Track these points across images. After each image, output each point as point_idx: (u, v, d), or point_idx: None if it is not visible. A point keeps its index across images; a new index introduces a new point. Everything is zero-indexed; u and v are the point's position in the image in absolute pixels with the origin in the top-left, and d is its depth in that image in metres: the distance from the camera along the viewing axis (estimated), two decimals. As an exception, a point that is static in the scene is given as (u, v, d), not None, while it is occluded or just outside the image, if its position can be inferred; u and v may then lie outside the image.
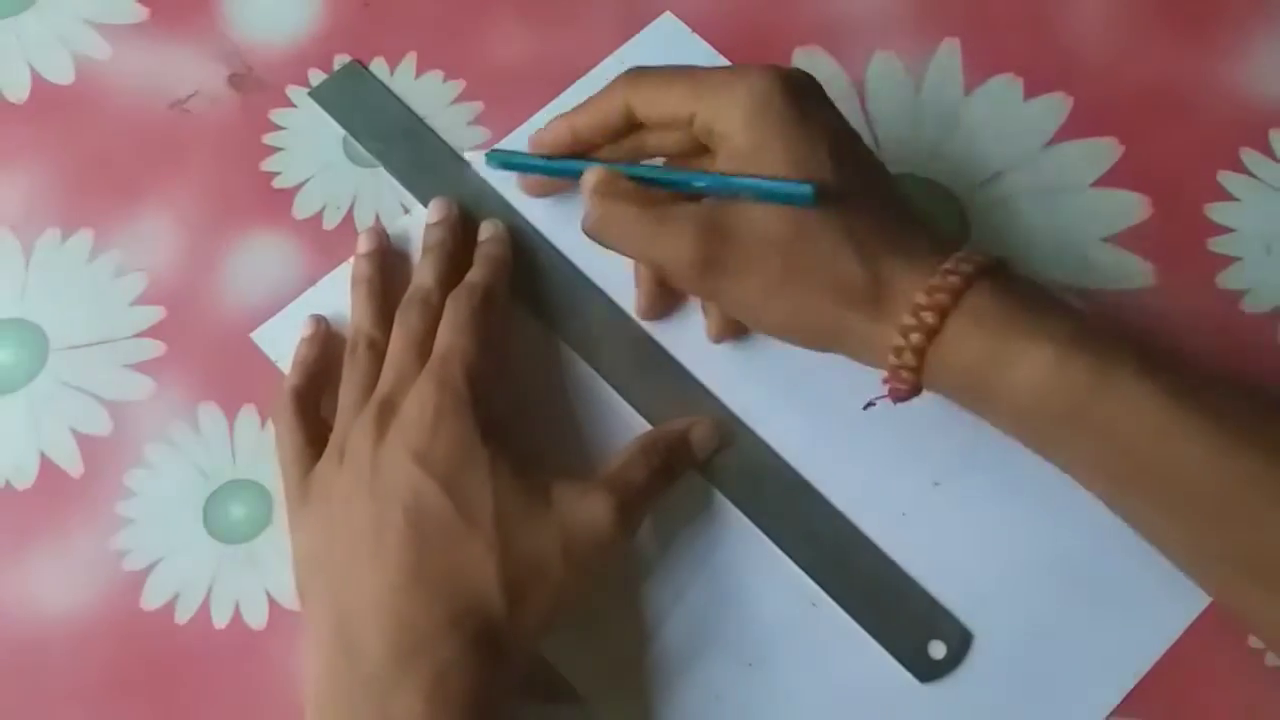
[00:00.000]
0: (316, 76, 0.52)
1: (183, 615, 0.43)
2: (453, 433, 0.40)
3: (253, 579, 0.44)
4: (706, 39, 0.52)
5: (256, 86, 0.52)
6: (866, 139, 0.49)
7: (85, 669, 0.42)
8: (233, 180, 0.50)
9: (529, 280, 0.47)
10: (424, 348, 0.42)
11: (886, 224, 0.40)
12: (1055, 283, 0.47)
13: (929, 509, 0.44)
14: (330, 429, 0.43)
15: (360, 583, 0.38)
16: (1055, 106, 0.50)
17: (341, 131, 0.51)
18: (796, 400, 0.45)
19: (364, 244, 0.47)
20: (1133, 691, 0.41)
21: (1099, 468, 0.39)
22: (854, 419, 0.45)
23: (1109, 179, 0.49)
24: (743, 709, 0.41)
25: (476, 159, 0.49)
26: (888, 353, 0.39)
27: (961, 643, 0.42)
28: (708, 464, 0.44)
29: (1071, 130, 0.50)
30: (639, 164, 0.43)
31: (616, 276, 0.47)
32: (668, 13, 0.52)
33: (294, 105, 0.51)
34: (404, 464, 0.39)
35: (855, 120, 0.50)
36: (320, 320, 0.47)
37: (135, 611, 0.43)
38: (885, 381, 0.40)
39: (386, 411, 0.41)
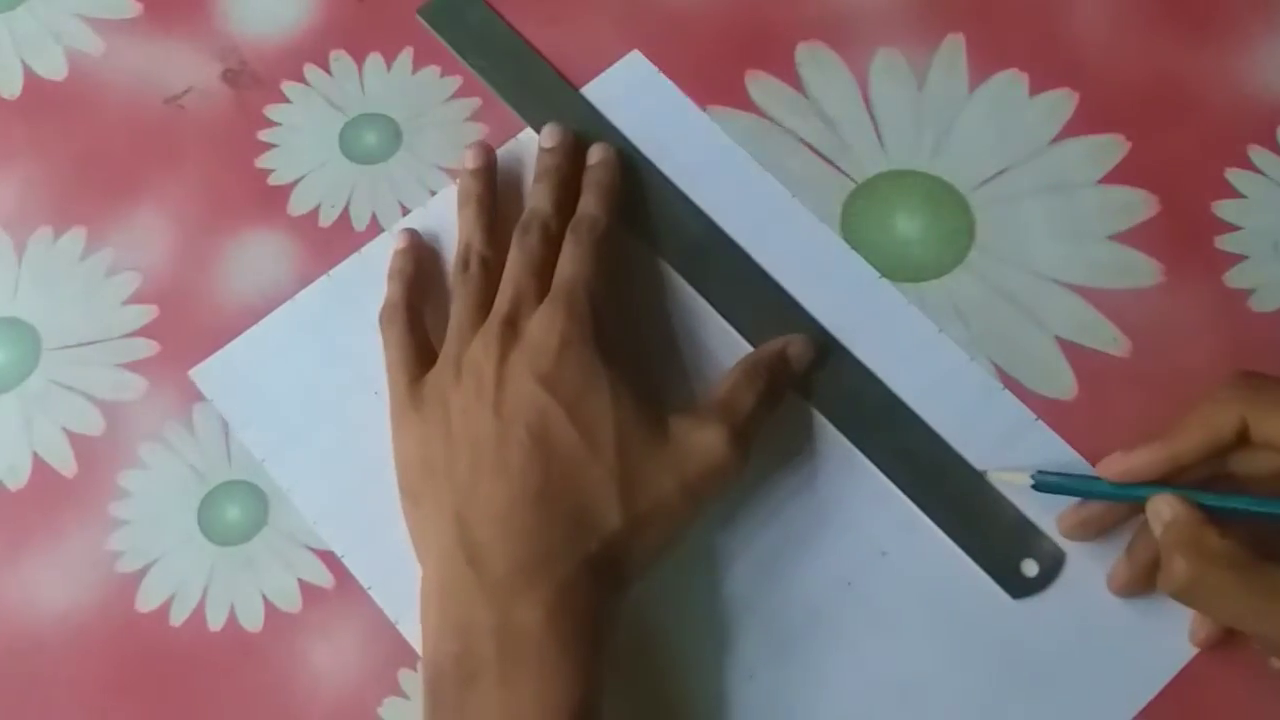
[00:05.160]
0: (312, 72, 0.51)
1: (178, 617, 0.43)
2: (578, 359, 0.40)
3: (248, 581, 0.43)
4: (709, 28, 0.51)
5: (251, 83, 0.51)
6: (869, 136, 0.49)
7: (80, 671, 0.42)
8: (227, 177, 0.49)
9: (633, 203, 0.48)
10: (543, 271, 0.43)
11: None
12: (1061, 281, 0.47)
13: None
14: (429, 341, 0.44)
15: (484, 494, 0.39)
16: (1060, 103, 0.50)
17: (338, 127, 0.50)
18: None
19: (472, 160, 0.48)
20: (1145, 708, 0.41)
21: None
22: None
23: (1115, 176, 0.49)
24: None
25: (1004, 478, 0.43)
26: None
27: (1054, 562, 0.42)
28: (807, 385, 0.45)
29: (1077, 127, 0.49)
30: (1219, 493, 0.38)
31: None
32: (635, 51, 0.51)
33: (289, 101, 0.51)
34: (529, 385, 0.40)
35: (858, 117, 0.50)
36: (413, 233, 0.47)
37: (130, 613, 0.43)
38: None
39: (509, 331, 0.41)
